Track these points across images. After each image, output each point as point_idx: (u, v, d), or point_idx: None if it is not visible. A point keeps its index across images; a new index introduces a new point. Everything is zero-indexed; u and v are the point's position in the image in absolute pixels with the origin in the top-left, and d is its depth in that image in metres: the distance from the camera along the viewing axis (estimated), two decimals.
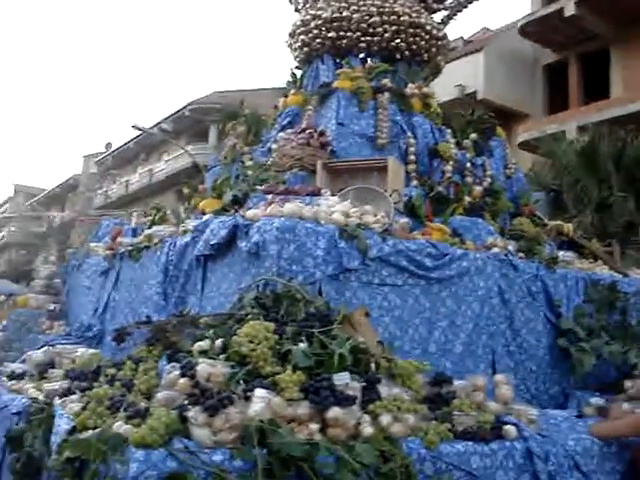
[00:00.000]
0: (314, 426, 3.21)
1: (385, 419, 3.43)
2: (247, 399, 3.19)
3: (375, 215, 5.14)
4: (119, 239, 7.31)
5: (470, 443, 3.68)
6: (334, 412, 3.24)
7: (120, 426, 3.02)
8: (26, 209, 60.67)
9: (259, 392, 3.19)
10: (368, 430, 3.33)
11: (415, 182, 6.76)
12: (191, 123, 36.43)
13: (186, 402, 3.15)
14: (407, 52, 8.01)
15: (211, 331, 4.01)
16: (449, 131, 7.66)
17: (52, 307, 8.33)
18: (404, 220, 5.44)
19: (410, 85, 7.65)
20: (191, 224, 5.80)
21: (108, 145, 47.77)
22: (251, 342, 3.57)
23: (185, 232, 5.82)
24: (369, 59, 8.23)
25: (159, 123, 37.51)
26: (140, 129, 31.32)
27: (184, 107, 36.26)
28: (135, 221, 8.57)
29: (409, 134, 7.19)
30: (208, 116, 33.19)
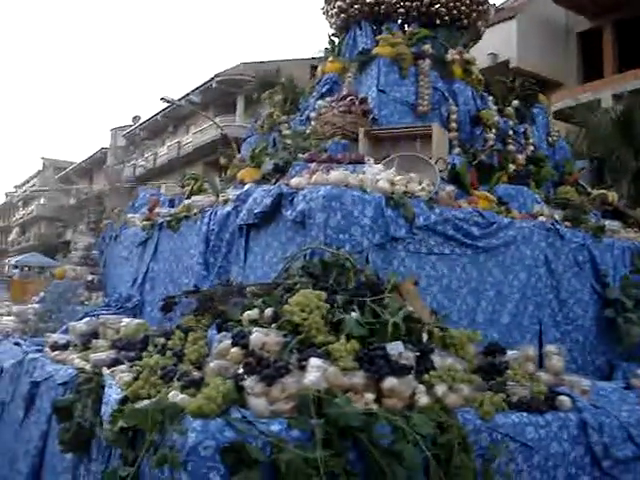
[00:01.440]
0: (370, 396, 3.15)
1: (440, 389, 3.36)
2: (302, 368, 3.13)
3: (420, 183, 5.04)
4: (157, 210, 7.26)
5: (525, 414, 3.63)
6: (390, 382, 3.18)
7: (175, 395, 2.99)
8: (55, 183, 61.15)
9: (314, 361, 3.13)
10: (423, 400, 3.27)
11: (457, 150, 6.64)
12: (218, 95, 36.33)
13: (241, 371, 3.09)
14: (447, 17, 7.82)
15: (259, 300, 3.95)
16: (491, 98, 7.52)
17: (90, 278, 8.33)
18: (450, 188, 5.34)
19: (451, 51, 7.49)
20: (232, 193, 5.74)
21: (136, 118, 47.83)
22: (303, 311, 3.50)
23: (226, 202, 5.77)
24: (407, 25, 8.05)
25: (187, 95, 37.43)
26: (168, 101, 31.24)
27: (211, 79, 36.14)
28: (165, 192, 8.54)
29: (450, 101, 7.06)
30: (235, 87, 33.14)
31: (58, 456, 4.15)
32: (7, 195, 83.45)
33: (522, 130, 7.47)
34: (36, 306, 8.00)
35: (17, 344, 6.17)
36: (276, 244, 4.93)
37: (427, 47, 7.32)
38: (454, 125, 6.91)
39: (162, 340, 3.95)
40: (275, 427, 2.83)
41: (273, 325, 3.59)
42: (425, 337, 3.72)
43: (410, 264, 4.73)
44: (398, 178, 4.94)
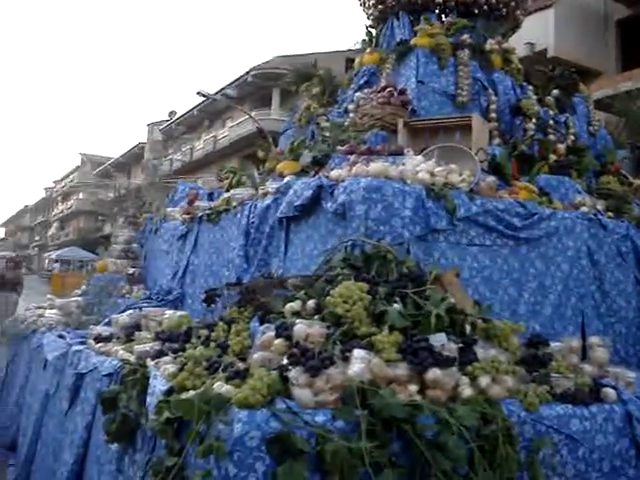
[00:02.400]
0: (413, 387, 3.14)
1: (484, 381, 3.33)
2: (345, 360, 3.13)
3: (461, 174, 5.01)
4: (196, 203, 7.31)
5: (569, 406, 3.58)
6: (434, 373, 3.17)
7: (221, 386, 3.00)
8: (93, 178, 61.90)
9: (358, 353, 3.13)
10: (467, 392, 3.25)
11: (497, 140, 6.60)
12: (254, 88, 36.47)
13: (285, 362, 3.11)
14: (485, 7, 7.78)
15: (301, 292, 3.97)
16: (530, 88, 7.45)
17: (131, 271, 8.41)
18: (491, 179, 5.29)
19: (490, 41, 7.44)
20: (272, 186, 5.76)
21: (172, 113, 48.18)
22: (345, 302, 3.50)
23: (266, 194, 5.79)
24: (445, 15, 8.01)
25: (223, 89, 37.59)
26: (205, 95, 31.38)
27: (247, 73, 36.28)
28: (202, 186, 8.59)
29: (490, 91, 7.02)
30: (271, 81, 33.20)
31: (103, 447, 4.20)
32: (47, 190, 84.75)
33: (563, 120, 7.40)
34: (79, 299, 8.10)
35: (61, 336, 6.26)
36: (316, 236, 4.94)
37: (466, 37, 7.28)
38: (494, 115, 6.87)
39: (205, 332, 3.97)
40: (320, 418, 2.83)
41: (316, 317, 3.60)
42: (468, 329, 3.69)
43: (451, 256, 4.71)
44: (438, 169, 4.92)
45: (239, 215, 5.98)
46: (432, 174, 4.86)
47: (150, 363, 3.92)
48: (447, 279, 4.10)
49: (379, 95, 6.46)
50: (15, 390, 7.36)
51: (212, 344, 3.72)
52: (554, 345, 4.16)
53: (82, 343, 5.59)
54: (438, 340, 3.34)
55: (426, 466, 2.84)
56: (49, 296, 9.21)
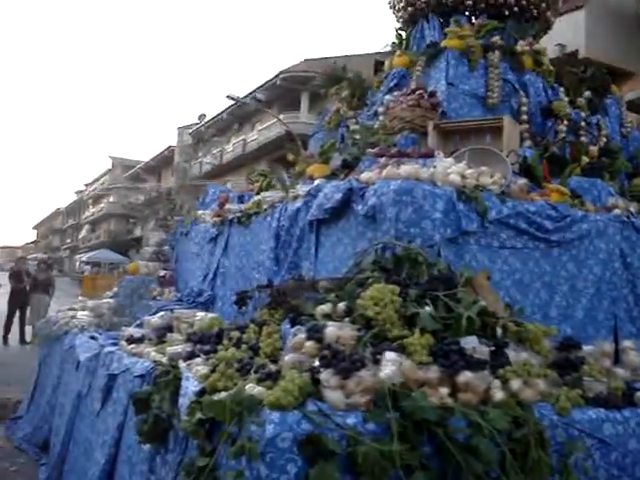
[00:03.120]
0: (444, 390, 3.13)
1: (516, 384, 3.32)
2: (376, 362, 3.14)
3: (492, 176, 4.99)
4: (226, 206, 7.35)
5: (602, 410, 3.54)
6: (465, 376, 3.16)
7: (252, 388, 3.02)
8: (124, 181, 62.45)
9: (389, 355, 3.14)
10: (499, 395, 3.23)
11: (529, 142, 6.55)
12: (283, 92, 36.58)
13: (316, 364, 3.12)
14: (516, 8, 7.72)
15: (332, 294, 3.98)
16: (562, 89, 7.39)
17: (162, 273, 8.46)
18: (522, 181, 5.26)
19: (520, 42, 7.38)
20: (302, 189, 5.77)
21: (201, 116, 48.46)
22: (376, 305, 3.51)
23: (296, 197, 5.79)
24: (475, 17, 7.97)
25: (252, 93, 37.77)
26: (234, 99, 31.61)
27: (276, 76, 36.42)
28: (231, 188, 8.61)
29: (521, 93, 6.97)
30: (299, 84, 33.28)
31: (134, 447, 4.24)
32: (78, 193, 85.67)
33: (595, 121, 7.32)
34: (110, 301, 8.19)
35: (93, 338, 6.32)
36: (347, 239, 4.95)
37: (496, 39, 7.24)
38: (525, 117, 6.81)
39: (237, 334, 4.00)
40: (351, 420, 2.84)
41: (346, 319, 3.61)
42: (499, 332, 3.68)
43: (482, 258, 4.69)
44: (469, 171, 4.90)
45: (269, 218, 6.00)
46: (463, 176, 4.84)
47: (182, 364, 3.95)
48: (478, 282, 4.09)
49: (409, 98, 6.45)
50: (47, 391, 7.44)
51: (244, 346, 3.74)
52: (586, 349, 4.14)
53: (114, 344, 5.65)
54: (469, 343, 3.34)
55: (457, 469, 2.83)
56: (81, 298, 9.33)
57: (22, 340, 16.21)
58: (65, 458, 5.84)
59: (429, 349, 3.30)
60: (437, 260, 4.24)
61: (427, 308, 3.57)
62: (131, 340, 5.39)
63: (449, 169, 4.88)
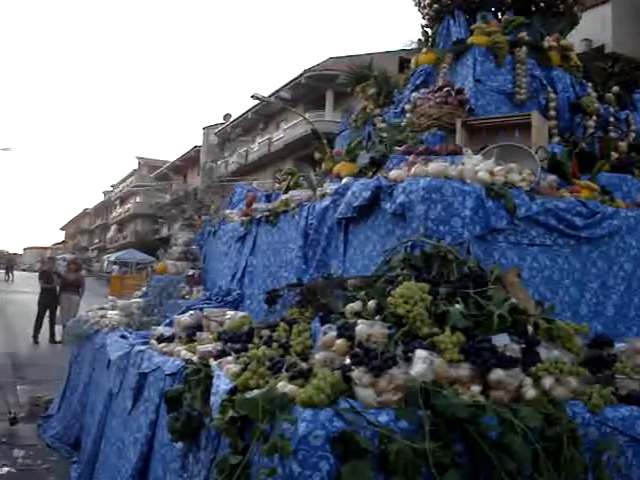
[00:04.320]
0: (476, 388, 3.13)
1: (548, 382, 3.30)
2: (408, 360, 3.14)
3: (520, 173, 4.96)
4: (254, 205, 7.37)
5: (635, 407, 3.51)
6: (497, 374, 3.15)
7: (284, 386, 3.03)
8: (150, 181, 62.81)
9: (420, 353, 3.13)
10: (531, 393, 3.22)
11: (557, 139, 6.52)
12: (308, 90, 36.63)
13: (348, 362, 3.12)
14: (542, 3, 7.69)
15: (362, 293, 3.98)
16: (590, 84, 7.33)
17: (191, 273, 8.50)
18: (551, 178, 5.23)
19: (547, 38, 7.34)
20: (330, 187, 5.78)
21: (227, 116, 48.65)
22: (407, 303, 3.50)
23: (324, 196, 5.80)
24: (502, 13, 7.93)
25: (277, 92, 37.85)
26: (259, 98, 31.63)
27: (301, 74, 36.46)
28: (257, 187, 8.64)
29: (549, 89, 6.93)
30: (324, 82, 33.29)
31: (167, 445, 4.27)
32: (105, 194, 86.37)
33: (623, 116, 7.25)
34: (139, 300, 8.25)
35: (123, 337, 6.37)
36: (375, 237, 4.95)
37: (523, 34, 7.20)
38: (553, 113, 6.77)
39: (267, 332, 4.01)
40: (383, 418, 2.84)
41: (377, 317, 3.61)
42: (530, 329, 3.66)
43: (511, 255, 4.67)
44: (498, 168, 4.88)
45: (297, 216, 6.01)
46: (492, 173, 4.82)
47: (213, 363, 3.97)
48: (509, 279, 4.07)
49: (436, 95, 6.43)
50: (79, 389, 7.53)
51: (274, 344, 3.75)
52: (618, 346, 4.10)
53: (144, 343, 5.69)
54: (501, 340, 3.33)
55: (490, 467, 2.83)
56: (110, 297, 9.41)
57: (52, 339, 16.39)
58: (97, 456, 5.90)
59: (460, 347, 3.29)
60: (467, 258, 4.23)
61: (457, 306, 3.56)
62: (161, 339, 5.43)
63: (477, 166, 4.86)
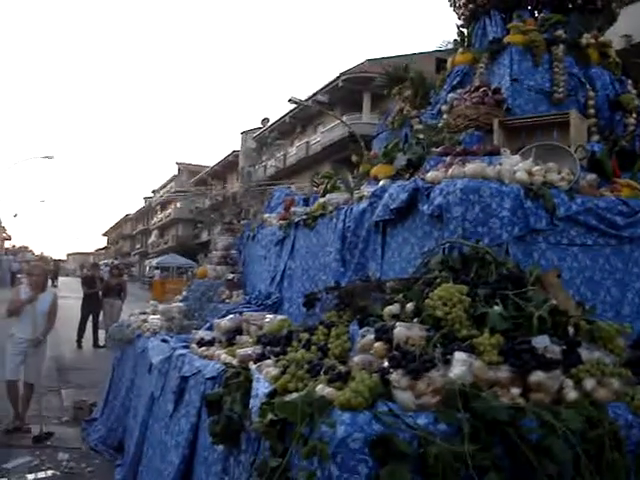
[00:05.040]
0: (516, 390, 3.11)
1: (589, 383, 3.26)
2: (446, 362, 3.12)
3: (560, 173, 4.92)
4: (292, 209, 7.40)
5: None
6: (537, 376, 3.12)
7: (323, 389, 3.04)
8: (190, 186, 63.28)
9: (459, 355, 3.12)
10: (572, 395, 3.19)
11: (597, 137, 6.42)
12: (345, 93, 36.56)
13: (386, 365, 3.12)
14: (580, 0, 7.55)
15: (400, 295, 3.97)
16: (629, 81, 7.21)
17: (230, 277, 8.57)
18: (591, 177, 5.17)
19: (585, 35, 7.23)
20: (367, 190, 5.77)
21: (265, 120, 48.81)
22: (445, 305, 3.50)
23: (361, 198, 5.80)
24: (538, 11, 7.84)
25: (314, 95, 37.87)
26: (296, 102, 31.69)
27: (337, 77, 36.43)
28: (295, 191, 8.66)
29: (587, 87, 6.83)
30: (361, 85, 33.22)
31: (209, 448, 4.30)
32: (146, 200, 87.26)
33: None
34: (180, 305, 8.33)
35: (164, 341, 6.45)
36: (413, 239, 4.94)
37: (560, 32, 7.10)
38: (592, 111, 6.67)
39: (306, 335, 4.03)
40: (422, 420, 2.84)
41: (415, 319, 3.60)
42: (571, 330, 3.63)
43: (551, 256, 4.63)
44: (536, 168, 4.84)
45: (335, 219, 6.02)
46: (530, 173, 4.79)
47: (252, 366, 4.00)
48: (548, 280, 4.03)
49: (473, 95, 6.39)
50: (121, 393, 7.62)
51: (313, 347, 3.77)
52: None
53: (185, 347, 5.75)
54: (541, 342, 3.29)
55: (530, 470, 2.80)
56: (152, 302, 9.50)
57: (95, 344, 16.60)
58: (140, 459, 5.96)
59: (499, 349, 3.27)
60: (505, 259, 4.20)
61: (497, 307, 3.54)
62: (202, 343, 5.49)
63: (516, 166, 4.83)
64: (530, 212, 4.53)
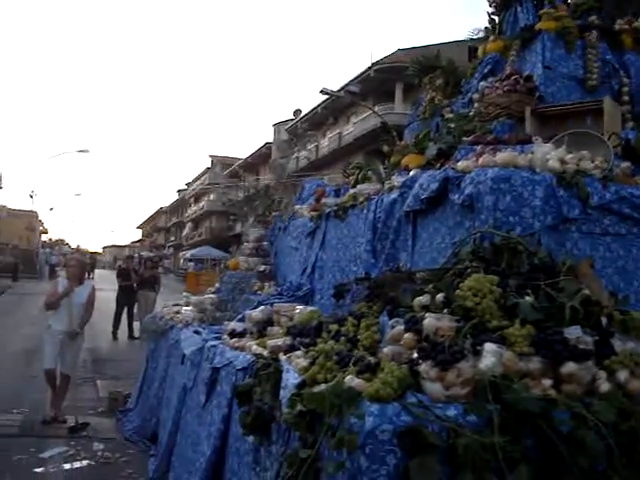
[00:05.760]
0: (547, 381, 3.06)
1: (622, 375, 3.21)
2: (476, 353, 3.09)
3: (593, 161, 4.84)
4: (323, 200, 7.38)
5: None
6: (569, 367, 3.07)
7: (352, 380, 3.03)
8: (223, 178, 63.56)
9: (489, 346, 3.08)
10: (605, 386, 3.13)
11: (631, 124, 6.31)
12: (377, 83, 36.45)
13: (415, 356, 3.10)
14: None
15: (430, 286, 3.94)
16: None
17: (262, 268, 8.59)
18: (626, 164, 5.08)
19: (619, 21, 7.12)
20: (397, 180, 5.74)
21: (297, 112, 48.84)
22: (475, 295, 3.46)
23: (392, 189, 5.77)
24: None
25: (346, 86, 37.78)
26: (328, 93, 31.64)
27: (369, 68, 36.32)
28: (328, 182, 8.64)
29: (621, 73, 6.72)
30: (393, 75, 33.06)
31: (240, 439, 4.32)
32: (180, 192, 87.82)
33: None
34: (212, 296, 8.37)
35: (197, 332, 6.49)
36: (444, 229, 4.90)
37: (593, 18, 7.02)
38: (627, 98, 6.57)
39: (335, 326, 4.02)
40: (451, 412, 2.81)
41: (445, 310, 3.57)
42: (604, 321, 3.57)
43: (583, 246, 4.56)
44: (569, 156, 4.77)
45: (366, 210, 6.00)
46: (563, 161, 4.72)
47: (282, 357, 4.00)
48: (581, 270, 3.97)
49: (504, 83, 6.32)
50: (155, 384, 7.68)
51: (342, 338, 3.76)
52: None
53: (217, 338, 5.78)
54: (573, 333, 3.24)
55: (561, 462, 2.76)
56: (184, 294, 9.56)
57: (130, 336, 16.78)
58: (173, 449, 6.01)
59: (530, 340, 3.23)
60: (537, 249, 4.14)
61: (528, 298, 3.50)
62: (233, 334, 5.51)
63: (548, 155, 4.77)
64: (563, 201, 4.47)
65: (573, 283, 3.72)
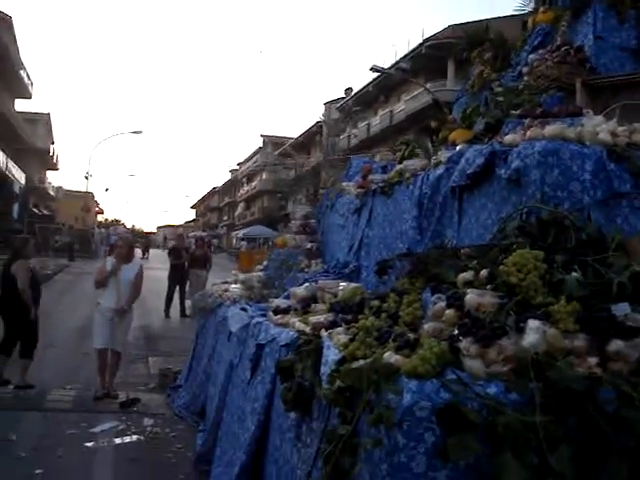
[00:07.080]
0: (593, 359, 2.97)
1: None
2: (519, 330, 3.01)
3: None
4: (370, 177, 7.32)
5: None
6: (616, 345, 2.98)
7: (390, 356, 2.99)
8: (275, 158, 63.76)
9: (533, 323, 3.00)
10: None
11: None
12: (428, 60, 36.03)
13: (456, 333, 3.04)
14: None
15: (474, 262, 3.87)
16: None
17: (309, 246, 8.59)
18: None
19: None
20: (444, 155, 5.64)
21: (348, 90, 48.60)
22: (519, 271, 3.37)
23: (438, 164, 5.68)
24: None
25: (397, 63, 37.44)
26: (379, 70, 31.37)
27: (420, 44, 35.92)
28: (379, 160, 8.56)
29: None
30: (445, 51, 32.62)
31: (283, 415, 4.32)
32: (232, 172, 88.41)
33: None
34: (260, 274, 8.40)
35: (243, 309, 6.51)
36: (490, 205, 4.79)
37: None
38: None
39: (377, 303, 3.98)
40: (492, 389, 2.74)
41: (488, 286, 3.49)
42: None
43: (635, 221, 4.39)
44: (621, 129, 4.61)
45: (412, 186, 5.92)
46: (614, 134, 4.57)
47: (324, 334, 3.98)
48: (632, 246, 3.85)
49: (554, 55, 6.16)
50: (203, 361, 7.76)
51: (383, 315, 3.71)
52: None
53: (263, 315, 5.79)
54: (621, 310, 3.14)
55: (605, 442, 2.68)
56: (233, 272, 9.62)
57: (182, 313, 16.98)
58: (219, 425, 6.06)
59: (576, 317, 3.14)
60: (586, 224, 4.02)
61: (574, 274, 3.40)
62: (278, 311, 5.50)
63: (598, 127, 4.62)
64: (613, 175, 4.32)
65: (622, 259, 3.61)
